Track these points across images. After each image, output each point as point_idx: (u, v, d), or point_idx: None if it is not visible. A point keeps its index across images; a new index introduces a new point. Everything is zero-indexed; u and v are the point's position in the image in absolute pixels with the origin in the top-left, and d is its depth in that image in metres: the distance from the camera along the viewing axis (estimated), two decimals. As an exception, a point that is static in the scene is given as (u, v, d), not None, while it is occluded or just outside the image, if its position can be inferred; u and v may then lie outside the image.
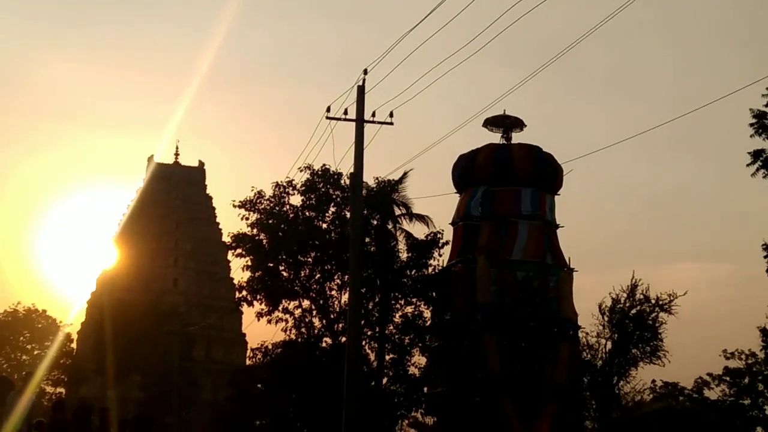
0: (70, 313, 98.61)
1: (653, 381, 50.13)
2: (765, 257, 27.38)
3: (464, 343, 39.42)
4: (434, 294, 40.20)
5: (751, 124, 24.46)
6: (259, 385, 50.90)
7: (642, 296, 45.32)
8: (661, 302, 44.99)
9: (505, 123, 47.95)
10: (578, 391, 43.51)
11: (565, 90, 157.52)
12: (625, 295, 45.47)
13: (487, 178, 45.54)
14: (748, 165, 24.75)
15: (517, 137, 48.41)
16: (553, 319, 41.93)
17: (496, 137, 48.30)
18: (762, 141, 24.60)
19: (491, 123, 47.70)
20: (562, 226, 47.09)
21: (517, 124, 48.21)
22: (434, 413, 41.68)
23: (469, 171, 46.32)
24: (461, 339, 39.64)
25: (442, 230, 41.91)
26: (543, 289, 43.00)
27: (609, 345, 45.14)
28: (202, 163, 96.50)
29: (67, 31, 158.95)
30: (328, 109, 26.46)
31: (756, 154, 24.61)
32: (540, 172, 45.59)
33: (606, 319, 45.20)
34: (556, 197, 47.06)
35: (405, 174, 42.52)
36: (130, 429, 21.43)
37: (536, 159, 45.98)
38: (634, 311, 45.36)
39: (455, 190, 46.98)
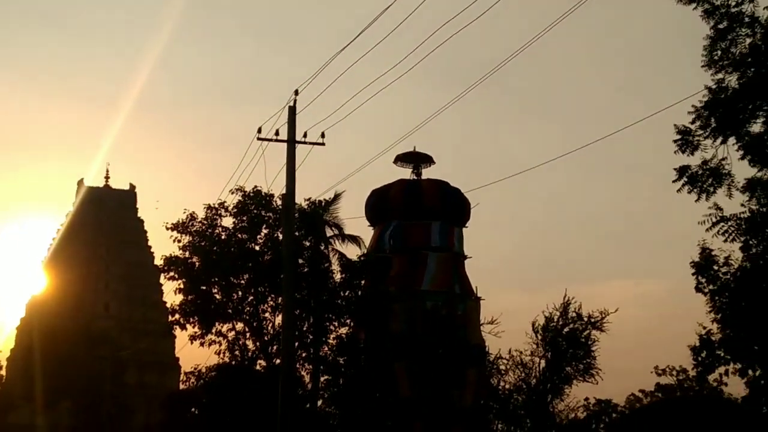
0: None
1: (586, 398, 50.47)
2: (693, 274, 27.56)
3: (375, 370, 39.92)
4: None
5: (675, 141, 24.78)
6: (193, 409, 50.37)
7: (575, 314, 45.56)
8: (593, 320, 45.24)
9: (416, 159, 49.93)
10: (485, 414, 44.39)
11: (495, 111, 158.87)
12: (558, 313, 45.72)
13: (399, 212, 47.57)
14: (674, 181, 25.04)
15: (426, 173, 50.53)
16: (460, 346, 42.86)
17: (406, 173, 50.37)
18: (687, 157, 24.92)
19: (402, 159, 49.89)
20: (470, 257, 49.19)
21: (427, 159, 50.30)
22: None
23: (381, 206, 48.39)
24: (373, 365, 40.19)
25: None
26: (451, 317, 44.15)
27: (543, 363, 45.35)
28: (133, 186, 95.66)
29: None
30: (259, 130, 26.40)
31: (681, 170, 24.90)
32: (448, 206, 47.79)
33: (539, 337, 45.40)
34: (464, 229, 49.21)
35: (337, 195, 42.61)
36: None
37: (444, 194, 48.17)
38: (567, 329, 45.57)
39: (368, 224, 48.20)
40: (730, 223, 25.11)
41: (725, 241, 25.47)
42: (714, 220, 25.25)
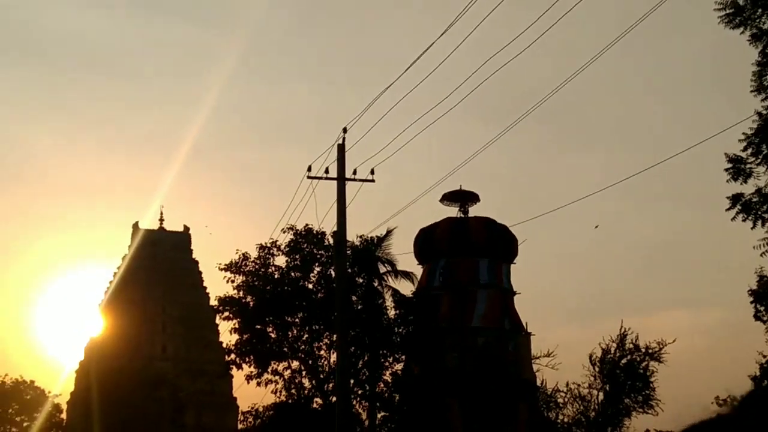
0: (58, 383, 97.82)
1: (647, 430, 49.87)
2: (752, 302, 27.29)
3: (428, 406, 40.01)
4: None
5: (726, 170, 24.56)
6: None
7: (632, 345, 45.22)
8: (650, 350, 44.89)
9: (462, 197, 50.25)
10: None
11: (541, 144, 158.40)
12: (614, 345, 45.38)
13: (446, 250, 47.71)
14: (727, 210, 24.81)
15: (473, 210, 50.59)
16: (511, 381, 42.95)
17: (453, 211, 50.42)
18: (739, 186, 24.69)
19: (448, 198, 50.08)
20: (519, 293, 49.15)
21: (473, 197, 50.60)
22: None
23: (429, 244, 48.47)
24: (426, 401, 40.24)
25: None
26: (502, 353, 44.42)
27: (601, 396, 44.99)
28: (187, 228, 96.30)
29: (45, 98, 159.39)
30: (309, 169, 26.56)
31: (735, 198, 24.65)
32: (495, 243, 47.95)
33: (597, 369, 45.08)
34: (512, 265, 49.21)
35: (389, 231, 42.73)
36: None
37: (491, 231, 48.35)
38: (624, 361, 45.24)
39: (417, 263, 48.57)
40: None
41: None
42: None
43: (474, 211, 50.53)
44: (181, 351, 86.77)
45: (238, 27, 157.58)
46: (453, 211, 50.33)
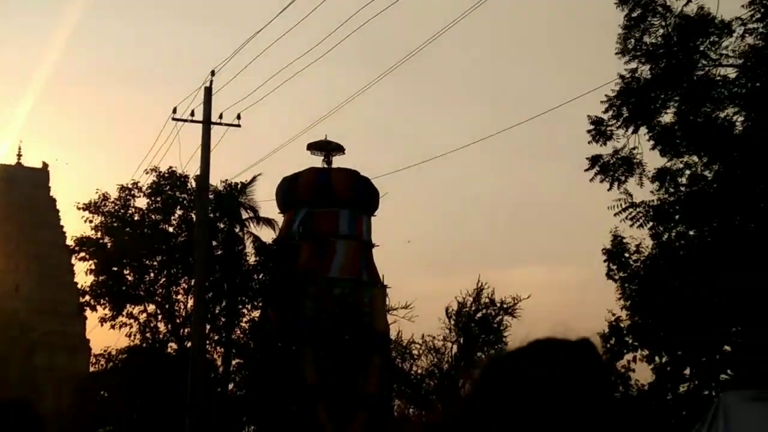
0: None
1: (497, 383, 50.88)
2: (605, 261, 27.95)
3: (283, 355, 40.29)
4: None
5: (589, 131, 25.06)
6: (103, 392, 49.80)
7: (488, 300, 45.90)
8: (505, 306, 45.64)
9: (327, 147, 50.72)
10: (388, 400, 45.25)
11: (412, 96, 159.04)
12: (471, 299, 46.00)
13: (308, 199, 48.26)
14: (586, 170, 25.34)
15: (337, 161, 51.37)
16: (366, 333, 43.56)
17: (318, 161, 51.20)
18: (600, 147, 25.25)
19: (314, 147, 50.68)
20: (377, 246, 50.17)
21: (338, 148, 51.14)
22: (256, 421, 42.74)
23: (291, 193, 49.04)
24: (282, 350, 40.51)
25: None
26: (358, 305, 44.64)
27: (455, 348, 45.63)
28: (46, 165, 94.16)
29: None
30: (175, 110, 26.23)
31: (594, 159, 25.19)
32: (357, 195, 48.76)
33: (452, 322, 45.68)
34: (373, 218, 50.39)
35: (254, 178, 42.38)
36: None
37: (353, 182, 49.07)
38: (479, 315, 45.91)
39: (279, 211, 48.74)
40: (638, 209, 25.52)
41: (631, 226, 25.92)
42: (624, 205, 25.67)
43: (338, 162, 50.88)
44: (35, 291, 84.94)
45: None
46: (318, 161, 50.56)
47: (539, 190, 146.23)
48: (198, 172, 26.82)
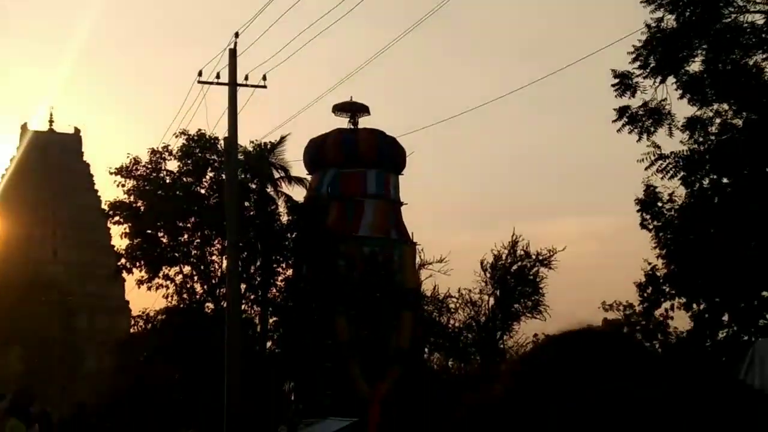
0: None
1: (535, 335, 50.75)
2: (638, 211, 27.86)
3: (314, 314, 40.60)
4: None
5: (613, 85, 24.90)
6: (144, 353, 50.36)
7: (523, 252, 45.89)
8: (541, 257, 45.61)
9: (353, 108, 50.75)
10: (420, 354, 45.83)
11: (441, 52, 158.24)
12: (506, 251, 45.99)
13: (335, 161, 48.44)
14: (614, 121, 25.18)
15: (363, 122, 51.18)
16: (396, 290, 43.72)
17: (344, 122, 51.01)
18: (628, 100, 25.09)
19: (339, 109, 50.55)
20: (406, 204, 50.51)
21: (364, 109, 51.09)
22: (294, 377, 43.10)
23: (318, 154, 49.04)
24: (317, 307, 40.80)
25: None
26: (388, 263, 45.38)
27: (492, 301, 45.68)
28: (78, 130, 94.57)
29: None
30: (200, 74, 26.17)
31: (621, 110, 25.01)
32: (384, 155, 48.93)
33: (488, 275, 45.70)
34: (401, 177, 50.48)
35: (283, 137, 42.40)
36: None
37: (380, 143, 49.15)
38: (515, 267, 45.91)
39: (306, 173, 49.13)
40: (668, 161, 25.34)
41: (662, 178, 25.77)
42: (653, 158, 25.50)
43: (364, 122, 51.12)
44: (73, 255, 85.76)
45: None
46: (344, 122, 50.83)
47: (572, 142, 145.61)
48: (226, 135, 26.82)
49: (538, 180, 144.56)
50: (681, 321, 28.62)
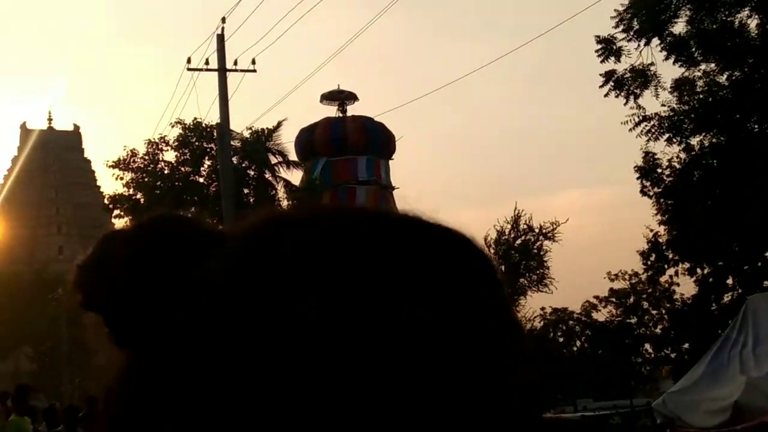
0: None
1: (542, 308, 50.84)
2: (638, 179, 27.68)
3: None
4: None
5: (597, 51, 24.69)
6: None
7: (526, 226, 45.73)
8: (544, 231, 45.46)
9: (341, 96, 51.63)
10: None
11: (430, 27, 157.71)
12: (509, 226, 45.83)
13: (326, 149, 48.94)
14: (600, 86, 24.96)
15: (351, 109, 52.32)
16: None
17: (333, 111, 52.23)
18: (613, 64, 24.85)
19: (327, 97, 51.32)
20: (398, 188, 50.80)
21: (351, 96, 51.85)
22: None
23: (308, 144, 49.35)
24: None
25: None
26: None
27: (497, 276, 45.54)
28: (77, 127, 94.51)
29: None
30: (189, 60, 26.00)
31: (608, 75, 24.78)
32: (373, 141, 49.54)
33: (492, 251, 45.46)
34: (391, 162, 51.82)
35: (279, 123, 42.16)
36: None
37: (368, 129, 49.61)
38: (519, 241, 45.75)
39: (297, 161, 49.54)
40: (652, 122, 25.14)
41: (648, 141, 25.59)
42: (636, 120, 25.32)
43: (353, 109, 51.46)
44: (78, 251, 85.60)
45: None
46: (332, 111, 51.30)
47: (565, 113, 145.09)
48: (218, 121, 26.64)
49: (536, 154, 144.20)
50: (687, 287, 28.44)
